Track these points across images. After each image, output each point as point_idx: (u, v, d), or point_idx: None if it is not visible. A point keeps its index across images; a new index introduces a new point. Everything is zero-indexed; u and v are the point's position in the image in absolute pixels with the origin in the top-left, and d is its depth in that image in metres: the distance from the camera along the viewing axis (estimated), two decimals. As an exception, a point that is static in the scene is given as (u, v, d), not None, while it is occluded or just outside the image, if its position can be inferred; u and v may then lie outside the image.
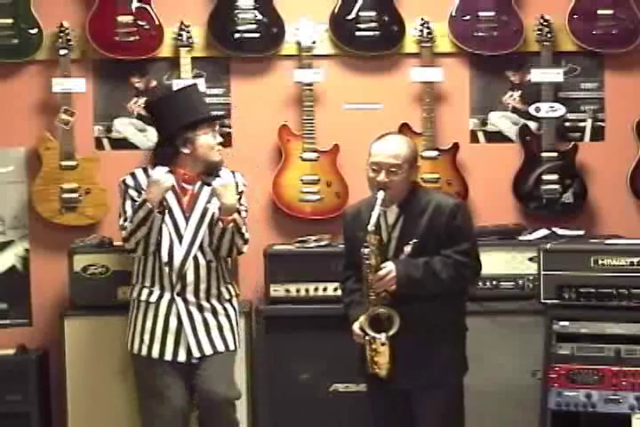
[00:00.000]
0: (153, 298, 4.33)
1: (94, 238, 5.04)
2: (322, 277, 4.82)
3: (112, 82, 5.26)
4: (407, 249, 3.98)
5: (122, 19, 5.11)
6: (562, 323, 4.44)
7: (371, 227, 3.89)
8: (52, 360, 5.10)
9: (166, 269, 4.31)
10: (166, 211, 4.30)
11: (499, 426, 4.74)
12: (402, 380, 3.96)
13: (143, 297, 4.36)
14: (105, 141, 5.28)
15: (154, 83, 5.26)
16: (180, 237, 4.32)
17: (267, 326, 4.84)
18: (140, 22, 5.12)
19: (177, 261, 4.30)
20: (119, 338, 4.74)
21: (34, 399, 4.89)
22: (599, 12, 5.21)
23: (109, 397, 4.80)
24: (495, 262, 4.87)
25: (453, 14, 5.22)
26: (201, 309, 4.33)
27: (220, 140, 4.42)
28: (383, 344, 3.88)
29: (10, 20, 5.08)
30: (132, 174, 4.45)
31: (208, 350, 4.31)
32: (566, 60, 5.33)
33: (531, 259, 4.84)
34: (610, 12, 5.21)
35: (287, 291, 4.89)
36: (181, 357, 4.31)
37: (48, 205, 5.11)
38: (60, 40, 5.04)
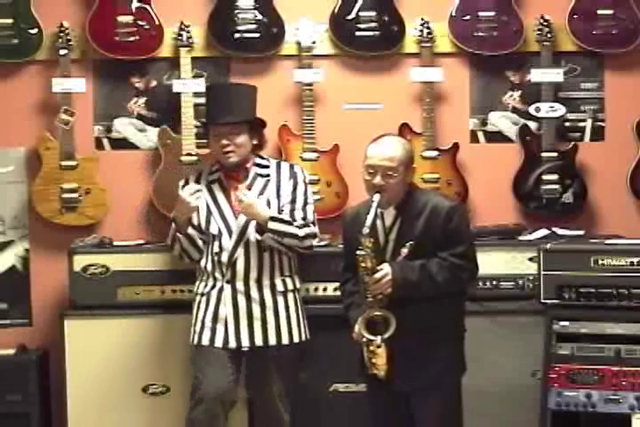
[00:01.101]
0: (207, 289, 4.43)
1: (94, 238, 5.04)
2: (322, 277, 4.81)
3: (112, 82, 5.26)
4: (404, 251, 3.98)
5: (122, 19, 5.11)
6: (562, 323, 4.43)
7: (365, 230, 3.89)
8: (52, 360, 5.10)
9: (216, 258, 4.39)
10: (215, 208, 4.44)
11: (499, 426, 4.74)
12: (400, 381, 3.97)
13: (200, 289, 4.46)
14: (105, 141, 5.28)
15: (154, 83, 5.27)
16: (230, 231, 4.40)
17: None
18: (140, 22, 5.12)
19: (226, 252, 4.38)
20: (119, 338, 4.76)
21: (34, 399, 4.89)
22: (599, 12, 5.21)
23: (109, 397, 4.80)
24: (495, 262, 4.87)
25: (453, 14, 5.22)
26: (249, 298, 4.39)
27: (236, 143, 4.43)
28: (379, 347, 3.88)
29: (10, 20, 5.08)
30: (186, 180, 4.59)
31: (245, 342, 4.36)
32: (566, 60, 5.33)
33: (531, 259, 4.83)
34: (610, 12, 5.21)
35: (287, 291, 4.89)
36: (232, 343, 4.37)
37: (48, 205, 5.11)
38: (60, 40, 5.04)
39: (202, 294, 4.45)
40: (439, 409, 4.01)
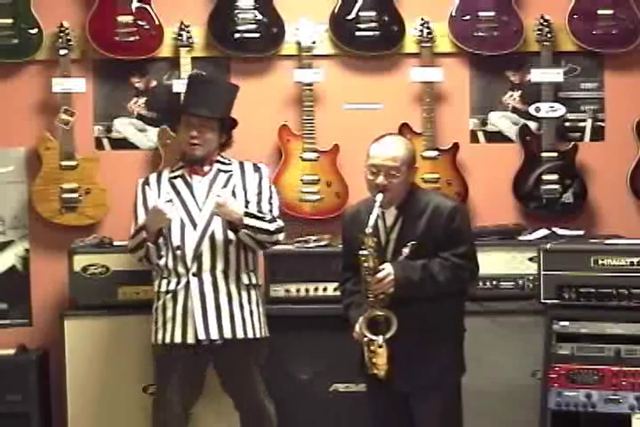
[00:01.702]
0: (172, 286, 4.36)
1: (94, 238, 5.04)
2: (322, 277, 4.81)
3: (112, 82, 5.26)
4: (405, 251, 3.98)
5: (122, 19, 5.11)
6: (562, 323, 4.43)
7: (368, 229, 3.89)
8: (52, 360, 5.10)
9: (179, 253, 4.34)
10: (179, 201, 4.39)
11: (499, 426, 4.74)
12: (400, 381, 3.97)
13: (163, 288, 4.39)
14: (105, 141, 5.28)
15: (154, 83, 5.27)
16: (194, 224, 4.37)
17: (267, 326, 4.83)
18: (140, 22, 5.12)
19: (190, 246, 4.34)
20: (119, 338, 4.76)
21: (34, 399, 4.89)
22: (599, 12, 5.21)
23: (109, 397, 4.80)
24: (495, 262, 4.87)
25: (453, 14, 5.22)
26: (216, 290, 4.35)
27: (205, 138, 4.41)
28: (380, 346, 3.88)
29: (10, 20, 5.08)
30: (146, 178, 4.55)
31: (214, 335, 4.31)
32: (566, 60, 5.33)
33: (531, 259, 4.83)
34: (610, 12, 5.21)
35: (287, 291, 4.89)
36: (201, 336, 4.32)
37: (48, 205, 5.11)
38: (60, 40, 5.04)
39: (167, 292, 4.37)
40: (439, 409, 4.01)
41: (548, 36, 5.17)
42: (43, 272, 5.22)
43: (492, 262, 4.83)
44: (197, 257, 4.35)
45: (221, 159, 4.53)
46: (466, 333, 4.12)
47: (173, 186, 4.47)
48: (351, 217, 4.17)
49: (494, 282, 4.89)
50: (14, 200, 5.22)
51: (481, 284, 4.80)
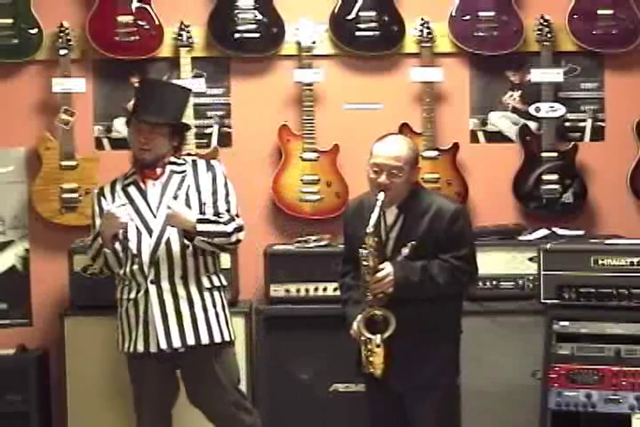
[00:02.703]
0: (132, 294, 4.28)
1: (94, 238, 5.04)
2: (322, 277, 4.82)
3: (112, 82, 5.26)
4: (405, 251, 3.97)
5: (122, 19, 5.11)
6: (562, 323, 4.44)
7: (369, 229, 3.89)
8: (52, 360, 5.10)
9: (136, 260, 4.24)
10: (133, 209, 4.29)
11: (499, 426, 4.74)
12: (396, 381, 3.96)
13: (125, 295, 4.31)
14: (105, 141, 5.28)
15: (154, 83, 5.26)
16: (150, 231, 4.26)
17: (267, 326, 4.84)
18: (140, 22, 5.12)
19: (146, 253, 4.24)
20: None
21: (34, 399, 4.89)
22: (599, 12, 5.21)
23: (109, 397, 4.80)
24: (495, 262, 4.87)
25: (453, 14, 5.22)
26: (176, 296, 4.24)
27: (155, 143, 4.28)
28: (378, 346, 3.88)
29: (10, 20, 5.08)
30: (101, 189, 4.45)
31: (177, 343, 4.22)
32: (566, 60, 5.33)
33: (531, 259, 4.84)
34: (610, 12, 5.21)
35: (287, 291, 4.90)
36: (163, 345, 4.22)
37: (48, 205, 5.11)
38: (60, 40, 5.04)
39: (128, 300, 4.27)
40: (433, 410, 3.99)
41: (548, 36, 5.17)
42: (43, 272, 5.22)
43: (492, 262, 4.84)
44: (155, 264, 4.24)
45: (174, 160, 4.38)
46: (462, 334, 4.11)
47: (127, 194, 4.34)
48: (353, 211, 4.16)
49: (494, 282, 4.89)
50: (14, 200, 5.22)
51: (481, 284, 4.80)
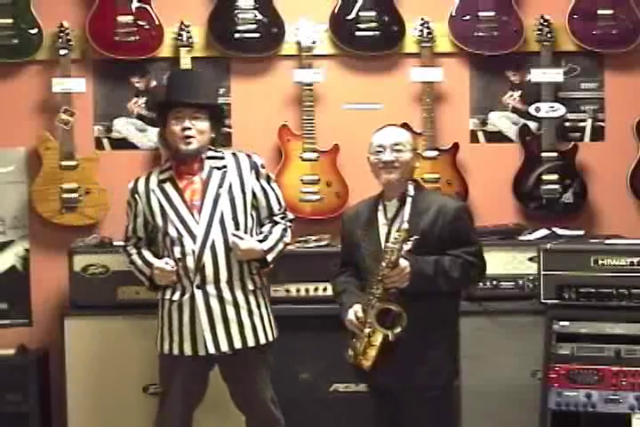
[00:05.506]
0: (176, 296, 4.25)
1: (94, 238, 5.04)
2: (322, 277, 4.80)
3: (112, 82, 5.26)
4: (407, 246, 3.96)
5: (122, 19, 5.11)
6: (562, 323, 4.44)
7: (404, 224, 3.83)
8: (52, 360, 5.10)
9: (180, 264, 4.22)
10: (172, 209, 4.27)
11: (499, 426, 4.74)
12: (391, 380, 3.94)
13: (168, 296, 4.28)
14: (105, 141, 5.28)
15: (154, 83, 5.27)
16: (193, 236, 4.21)
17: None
18: (140, 22, 5.12)
19: (190, 259, 4.21)
20: (119, 338, 4.75)
21: (34, 399, 4.89)
22: (599, 12, 5.21)
23: (109, 397, 4.80)
24: (495, 262, 4.86)
25: (453, 14, 5.22)
26: (222, 301, 4.22)
27: (198, 129, 4.23)
28: (384, 341, 3.84)
29: (10, 20, 5.08)
30: (135, 184, 4.40)
31: (224, 347, 4.21)
32: (566, 60, 5.34)
33: (531, 259, 4.84)
34: (610, 12, 5.21)
35: (287, 291, 4.90)
36: (211, 350, 4.21)
37: (48, 205, 5.11)
38: (60, 40, 5.05)
39: (171, 301, 4.25)
40: (431, 409, 3.96)
41: (548, 36, 5.17)
42: (43, 272, 5.22)
43: (492, 262, 4.80)
44: (200, 269, 4.21)
45: (212, 153, 4.31)
46: (462, 334, 4.10)
47: (163, 190, 4.29)
48: (350, 217, 4.17)
49: (494, 282, 4.89)
50: (14, 200, 5.22)
51: (481, 284, 4.80)
